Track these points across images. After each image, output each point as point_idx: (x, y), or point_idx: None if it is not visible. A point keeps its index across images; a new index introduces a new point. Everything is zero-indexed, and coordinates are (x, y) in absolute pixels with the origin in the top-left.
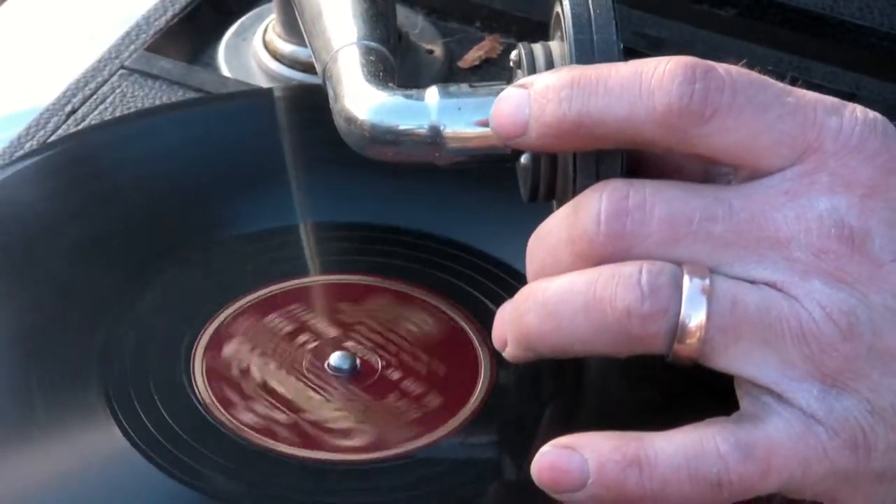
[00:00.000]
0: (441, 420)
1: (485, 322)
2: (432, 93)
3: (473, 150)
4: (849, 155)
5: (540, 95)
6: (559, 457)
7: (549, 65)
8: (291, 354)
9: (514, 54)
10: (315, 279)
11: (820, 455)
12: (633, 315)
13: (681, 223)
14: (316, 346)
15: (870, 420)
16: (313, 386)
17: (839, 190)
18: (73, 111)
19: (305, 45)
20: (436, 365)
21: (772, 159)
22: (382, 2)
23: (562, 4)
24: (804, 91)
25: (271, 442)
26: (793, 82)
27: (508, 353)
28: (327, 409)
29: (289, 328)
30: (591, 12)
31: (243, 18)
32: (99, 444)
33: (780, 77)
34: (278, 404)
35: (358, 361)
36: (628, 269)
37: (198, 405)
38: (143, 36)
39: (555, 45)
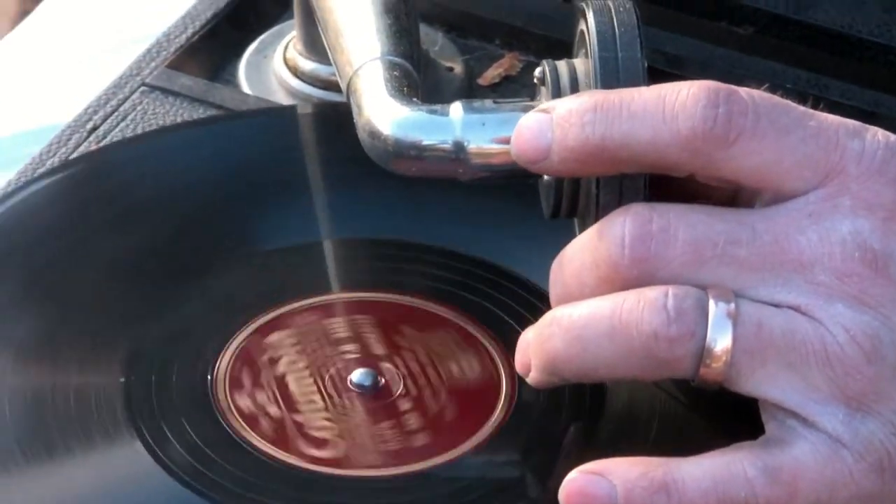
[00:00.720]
0: (410, 459)
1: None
2: (456, 108)
3: (497, 165)
4: (871, 178)
5: (563, 120)
6: (587, 483)
7: (574, 82)
8: (326, 359)
9: (538, 71)
10: (390, 296)
11: (846, 478)
12: (660, 338)
13: (705, 247)
14: (355, 359)
15: (894, 442)
16: (324, 392)
17: (862, 213)
18: (95, 128)
19: (326, 63)
20: (449, 411)
21: (795, 182)
22: (406, 18)
23: (587, 22)
24: (826, 114)
25: (246, 429)
26: (815, 105)
27: (532, 378)
28: (319, 416)
29: (342, 334)
30: (616, 30)
31: (264, 36)
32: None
33: (802, 99)
34: (279, 399)
35: (381, 383)
36: (653, 293)
37: (207, 378)
38: (164, 53)
39: (579, 62)
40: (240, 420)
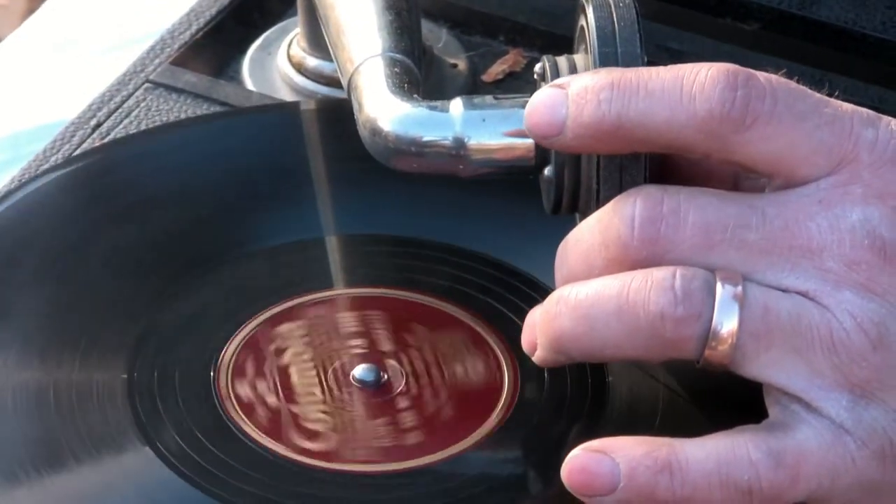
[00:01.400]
0: (399, 456)
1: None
2: (457, 104)
3: (497, 161)
4: (883, 167)
5: (578, 96)
6: (590, 460)
7: None
8: (332, 352)
9: (538, 67)
10: (405, 294)
11: (848, 465)
12: (667, 318)
13: (715, 230)
14: (361, 354)
15: None
16: (324, 385)
17: (872, 201)
18: (99, 125)
19: (330, 59)
20: (447, 411)
21: (808, 169)
22: (407, 15)
23: (586, 17)
24: (841, 102)
25: (241, 416)
26: (830, 93)
27: (538, 356)
28: (315, 408)
29: (353, 329)
30: (616, 25)
31: (268, 32)
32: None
33: (818, 88)
34: (279, 389)
35: (383, 379)
36: (661, 273)
37: (211, 364)
38: (168, 50)
39: (579, 57)
40: (236, 407)
